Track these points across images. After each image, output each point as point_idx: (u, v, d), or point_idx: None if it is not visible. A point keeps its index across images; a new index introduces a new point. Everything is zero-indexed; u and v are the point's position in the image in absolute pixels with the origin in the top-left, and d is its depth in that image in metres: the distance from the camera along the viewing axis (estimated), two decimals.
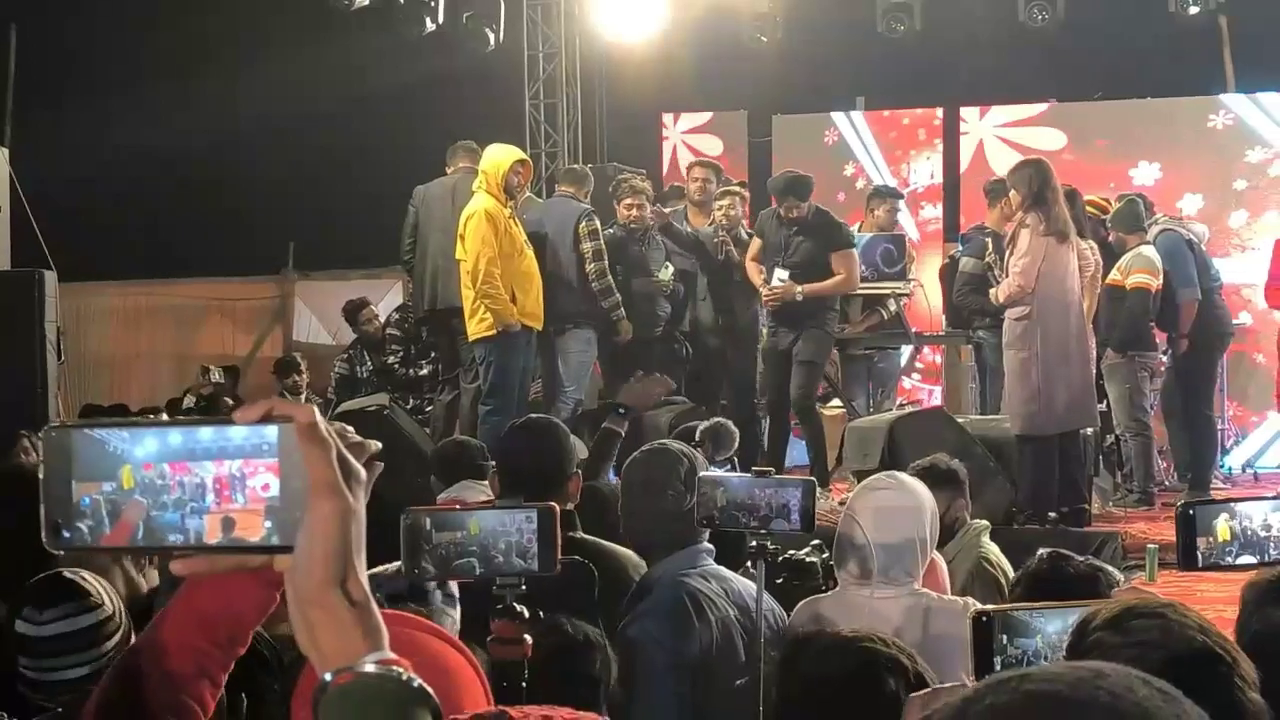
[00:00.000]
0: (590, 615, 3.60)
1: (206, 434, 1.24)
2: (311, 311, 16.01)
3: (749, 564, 4.06)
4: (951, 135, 14.46)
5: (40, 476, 1.23)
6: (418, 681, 1.25)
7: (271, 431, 1.24)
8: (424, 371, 11.73)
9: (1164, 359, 10.67)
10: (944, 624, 3.82)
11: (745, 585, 4.12)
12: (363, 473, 1.28)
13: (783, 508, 3.68)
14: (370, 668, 1.24)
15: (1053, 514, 8.66)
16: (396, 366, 11.91)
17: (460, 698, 1.89)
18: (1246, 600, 2.66)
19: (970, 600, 4.04)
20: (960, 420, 9.67)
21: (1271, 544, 2.67)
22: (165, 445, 1.23)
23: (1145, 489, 10.24)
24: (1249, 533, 2.66)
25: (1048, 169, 8.66)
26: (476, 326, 9.38)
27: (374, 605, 1.28)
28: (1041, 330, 8.63)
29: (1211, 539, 2.66)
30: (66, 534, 1.24)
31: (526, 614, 2.62)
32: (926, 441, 7.91)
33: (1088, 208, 9.91)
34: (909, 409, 10.42)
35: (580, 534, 4.36)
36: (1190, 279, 10.41)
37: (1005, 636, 2.31)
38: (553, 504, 2.64)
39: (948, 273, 11.24)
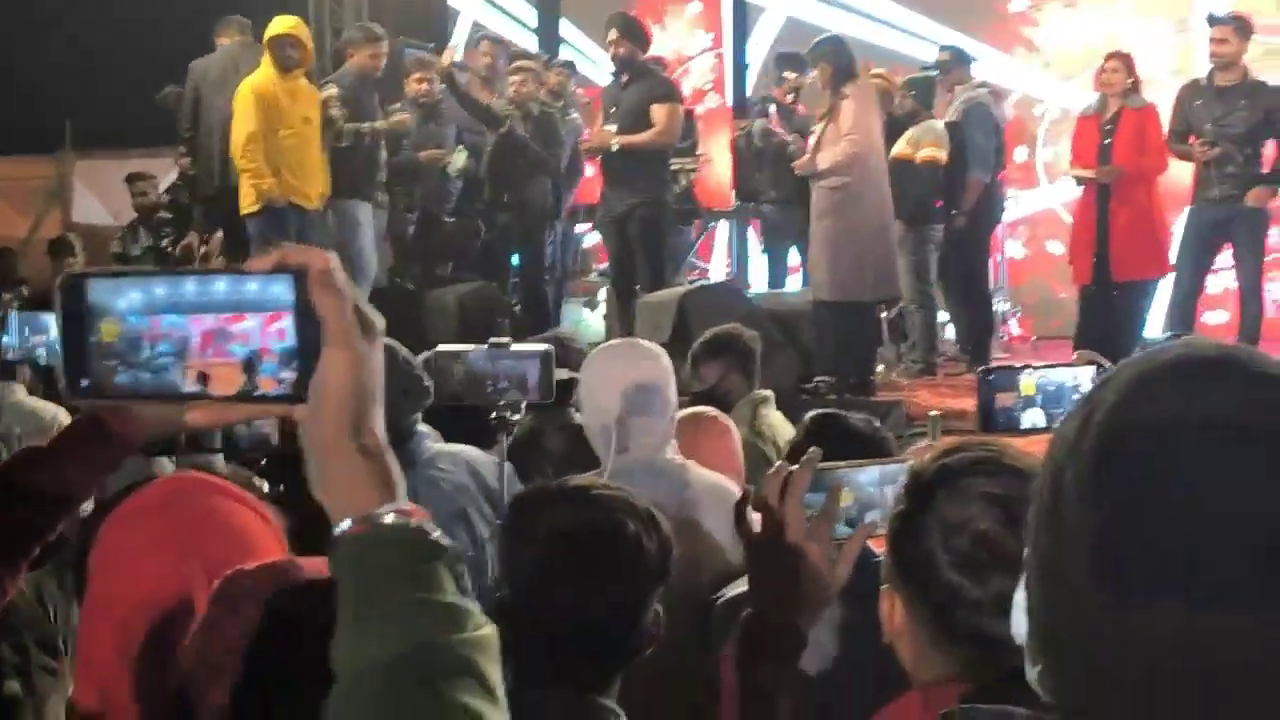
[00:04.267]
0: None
1: (220, 285, 1.22)
2: (91, 191, 15.51)
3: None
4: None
5: (56, 325, 1.23)
6: (436, 533, 1.25)
7: (285, 280, 1.22)
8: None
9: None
10: (705, 495, 3.78)
11: (476, 455, 4.05)
12: (379, 324, 1.26)
13: (520, 379, 3.64)
14: (387, 518, 1.24)
15: (825, 380, 8.85)
16: (168, 248, 11.58)
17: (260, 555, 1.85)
18: None
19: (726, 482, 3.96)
20: (749, 294, 9.78)
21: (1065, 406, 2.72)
22: (184, 299, 1.22)
23: (929, 360, 10.47)
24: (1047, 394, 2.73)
25: (847, 44, 8.89)
26: (242, 202, 9.28)
27: (391, 457, 1.26)
28: (861, 198, 8.79)
29: (1011, 400, 2.72)
30: (85, 382, 1.23)
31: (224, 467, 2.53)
32: (716, 315, 7.96)
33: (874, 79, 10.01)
34: (699, 283, 10.49)
35: None
36: (986, 159, 10.58)
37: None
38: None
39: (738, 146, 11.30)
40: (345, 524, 1.24)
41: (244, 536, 1.90)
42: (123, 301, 1.22)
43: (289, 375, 1.22)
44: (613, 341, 4.14)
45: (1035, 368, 2.78)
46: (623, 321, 9.82)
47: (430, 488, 3.78)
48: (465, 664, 1.20)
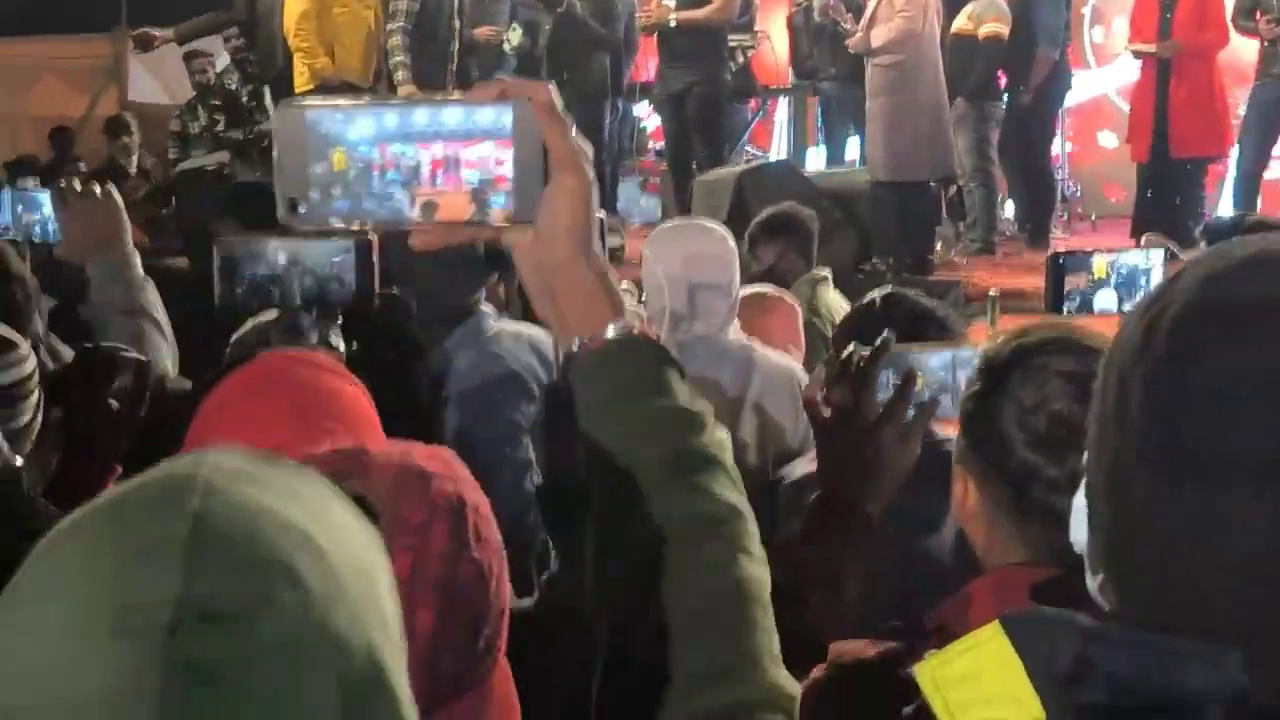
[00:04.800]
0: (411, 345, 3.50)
1: (447, 113, 1.26)
2: (147, 70, 15.47)
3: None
4: None
5: (274, 153, 1.26)
6: (663, 339, 1.36)
7: (506, 109, 1.26)
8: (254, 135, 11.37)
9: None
10: (769, 376, 3.79)
11: (538, 333, 4.01)
12: (589, 150, 1.31)
13: None
14: (618, 333, 1.33)
15: (884, 261, 8.80)
16: (220, 131, 11.53)
17: (362, 431, 1.83)
18: None
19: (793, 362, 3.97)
20: (807, 173, 9.70)
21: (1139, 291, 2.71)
22: (412, 128, 1.26)
23: (988, 239, 10.38)
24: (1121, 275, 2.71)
25: None
26: (296, 81, 9.26)
27: (614, 275, 1.34)
28: (917, 76, 8.69)
29: (1083, 282, 2.70)
30: (302, 209, 1.27)
31: (342, 347, 2.54)
32: (774, 194, 7.91)
33: None
34: (756, 162, 10.41)
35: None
36: (1055, 34, 10.35)
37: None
38: (370, 235, 2.55)
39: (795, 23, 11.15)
40: (577, 342, 1.33)
41: (357, 412, 1.87)
42: (353, 131, 1.26)
43: (510, 201, 1.27)
44: (676, 220, 4.13)
45: (1106, 251, 2.75)
46: (679, 201, 9.78)
47: (493, 364, 3.78)
48: (717, 462, 1.33)
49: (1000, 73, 10.28)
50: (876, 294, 3.30)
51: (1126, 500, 1.05)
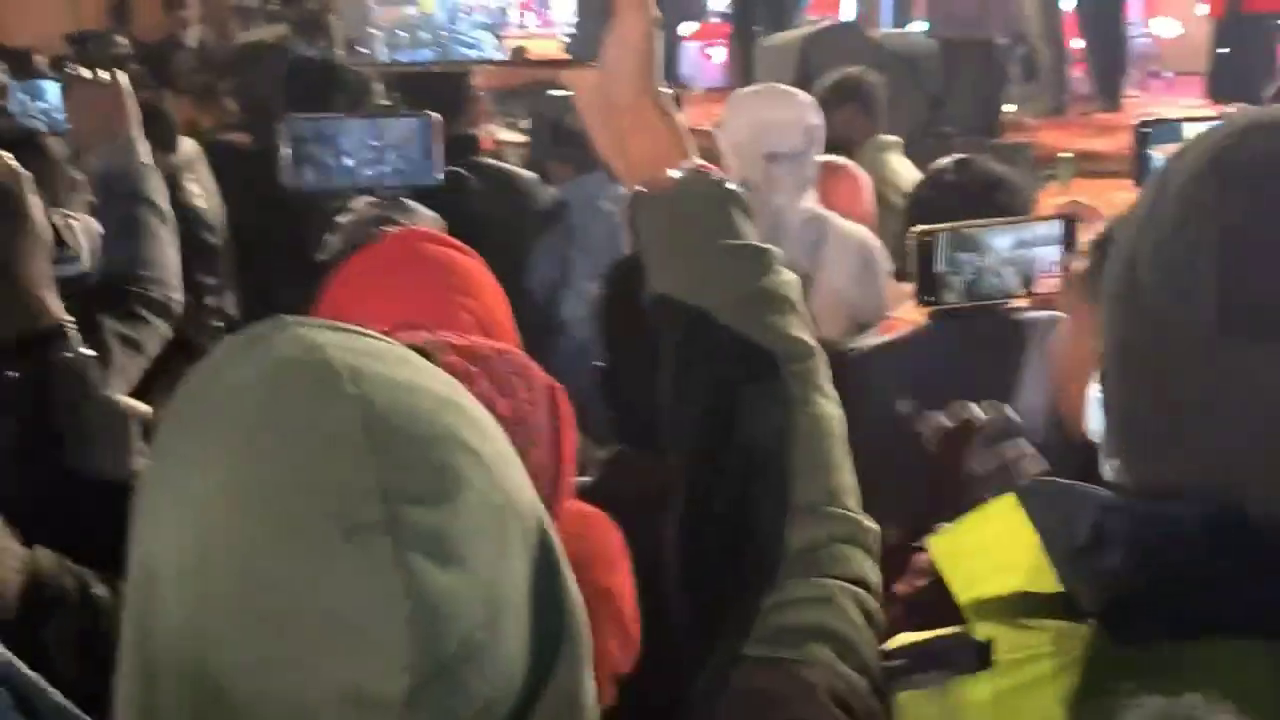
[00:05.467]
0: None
1: None
2: None
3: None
4: None
5: None
6: (732, 184, 1.33)
7: None
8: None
9: None
10: (841, 247, 3.74)
11: None
12: None
13: None
14: (687, 173, 1.32)
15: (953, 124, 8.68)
16: (276, 7, 11.42)
17: (493, 306, 1.81)
18: None
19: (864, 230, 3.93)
20: (873, 35, 9.54)
21: None
22: None
23: (1058, 98, 10.20)
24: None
25: None
26: None
27: (680, 115, 1.33)
28: None
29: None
30: (364, 50, 1.28)
31: (423, 214, 2.53)
32: (840, 58, 7.78)
33: None
34: (821, 24, 10.24)
35: (481, 159, 4.22)
36: None
37: (951, 252, 2.23)
38: (435, 114, 2.52)
39: None
40: (644, 182, 1.31)
41: (486, 287, 1.85)
42: None
43: (570, 39, 1.25)
44: (755, 86, 4.05)
45: (1196, 120, 2.64)
46: (743, 66, 9.64)
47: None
48: (785, 300, 1.32)
49: None
50: (948, 161, 3.24)
51: (1141, 372, 1.02)
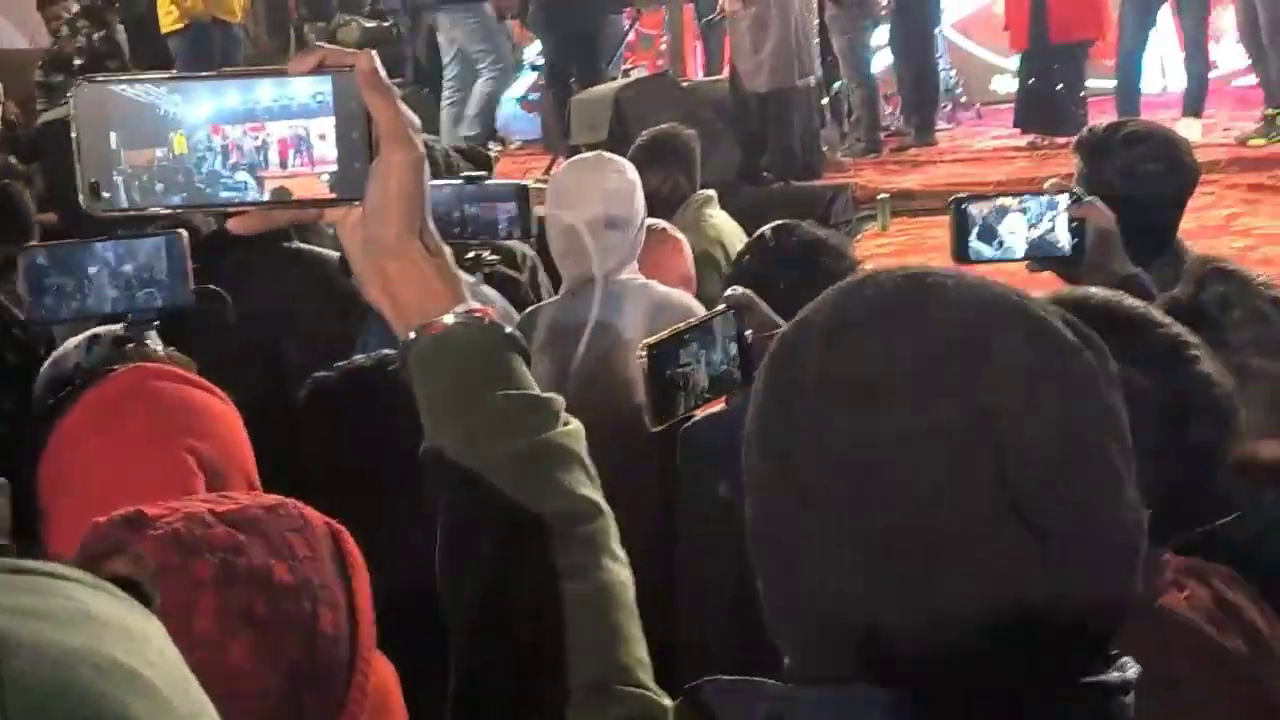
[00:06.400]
0: None
1: (265, 90, 1.18)
2: (5, 16, 14.95)
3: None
4: None
5: (73, 134, 1.16)
6: (509, 328, 1.26)
7: (325, 81, 1.18)
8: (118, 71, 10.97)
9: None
10: (667, 316, 3.66)
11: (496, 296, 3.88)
12: (417, 120, 1.22)
13: (490, 224, 3.48)
14: (459, 318, 1.23)
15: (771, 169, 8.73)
16: (83, 73, 11.13)
17: (225, 445, 1.69)
18: None
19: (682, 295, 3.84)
20: (685, 84, 9.56)
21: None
22: (222, 107, 1.17)
23: (872, 137, 10.32)
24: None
25: None
26: (162, 21, 8.98)
27: (450, 256, 1.25)
28: None
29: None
30: (106, 195, 1.16)
31: (161, 349, 2.37)
32: (654, 109, 7.78)
33: None
34: (634, 76, 10.24)
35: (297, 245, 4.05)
36: None
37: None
38: (181, 230, 2.41)
39: None
40: (414, 330, 1.23)
41: (222, 424, 1.74)
42: (192, 112, 1.16)
43: (331, 178, 1.18)
44: (579, 156, 3.95)
45: (1011, 196, 2.56)
46: (559, 119, 9.58)
47: None
48: (572, 454, 1.24)
49: None
50: (767, 229, 3.22)
51: (768, 559, 1.08)
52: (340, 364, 2.04)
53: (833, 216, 8.03)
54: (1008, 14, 10.02)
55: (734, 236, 5.20)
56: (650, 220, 4.20)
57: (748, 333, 1.76)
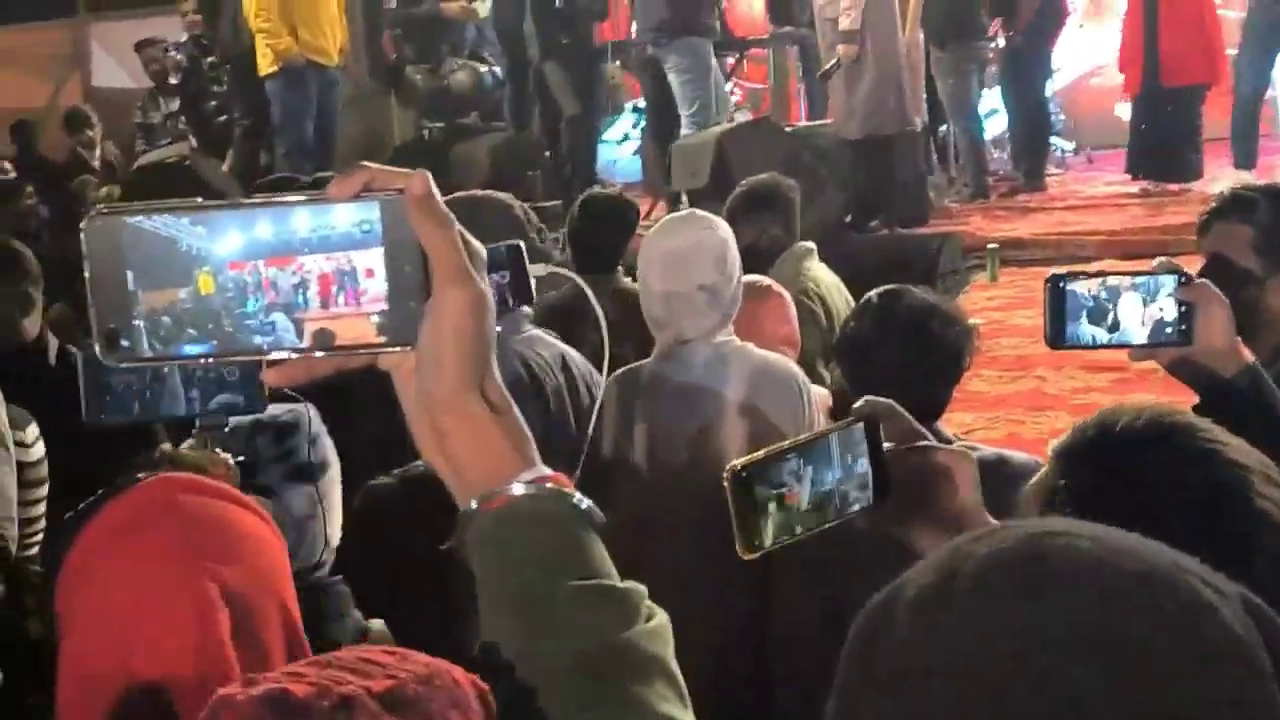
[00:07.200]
0: None
1: (302, 219, 1.01)
2: (109, 54, 15.15)
3: None
4: None
5: (85, 274, 1.01)
6: (586, 503, 1.08)
7: (372, 207, 1.02)
8: (214, 113, 11.00)
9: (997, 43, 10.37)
10: (763, 379, 3.49)
11: (570, 351, 3.73)
12: (483, 253, 1.06)
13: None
14: (526, 488, 1.06)
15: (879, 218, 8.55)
16: (181, 122, 11.18)
17: (256, 568, 1.56)
18: None
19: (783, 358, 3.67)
20: (788, 129, 9.41)
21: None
22: (253, 240, 1.01)
23: (979, 182, 10.10)
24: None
25: None
26: (260, 64, 9.00)
27: (516, 412, 1.08)
28: (872, 26, 8.43)
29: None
30: (125, 343, 1.02)
31: (232, 460, 2.21)
32: (756, 155, 7.64)
33: None
34: (736, 121, 10.09)
35: None
36: None
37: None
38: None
39: None
40: (475, 500, 1.06)
41: (253, 544, 1.59)
42: (220, 246, 1.01)
43: (382, 320, 1.02)
44: (669, 219, 3.76)
45: (1116, 274, 2.34)
46: (659, 166, 9.46)
47: (520, 365, 3.47)
48: (652, 661, 1.05)
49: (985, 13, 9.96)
50: (874, 294, 3.05)
51: None
52: (399, 470, 1.88)
53: (940, 266, 7.83)
54: (1121, 58, 9.81)
55: (834, 289, 5.05)
56: (752, 277, 4.04)
57: (887, 445, 1.54)
